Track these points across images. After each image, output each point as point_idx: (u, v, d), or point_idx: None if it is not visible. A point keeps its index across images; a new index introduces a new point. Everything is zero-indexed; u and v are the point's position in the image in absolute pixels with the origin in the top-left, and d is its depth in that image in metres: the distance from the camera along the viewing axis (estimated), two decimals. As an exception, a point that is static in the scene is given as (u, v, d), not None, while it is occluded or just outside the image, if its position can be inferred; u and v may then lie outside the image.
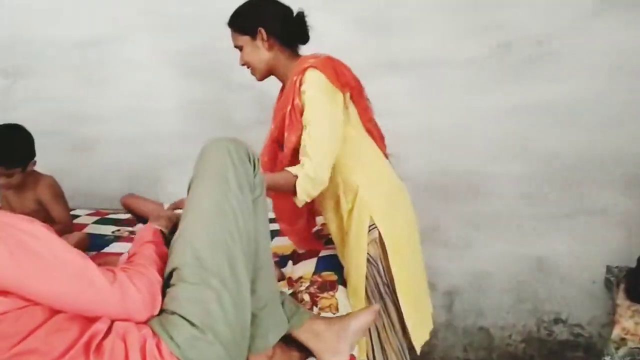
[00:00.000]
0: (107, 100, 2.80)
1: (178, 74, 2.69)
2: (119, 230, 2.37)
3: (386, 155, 1.84)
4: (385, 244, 1.65)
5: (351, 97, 1.68)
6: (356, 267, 1.68)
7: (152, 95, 2.75)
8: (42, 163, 2.80)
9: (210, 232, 1.16)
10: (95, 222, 2.48)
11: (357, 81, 1.73)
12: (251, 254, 1.22)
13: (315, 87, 1.58)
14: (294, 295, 1.64)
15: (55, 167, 2.83)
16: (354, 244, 1.67)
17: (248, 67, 1.77)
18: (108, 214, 2.63)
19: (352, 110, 1.71)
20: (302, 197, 1.57)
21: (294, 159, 1.62)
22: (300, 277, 1.75)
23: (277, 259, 1.93)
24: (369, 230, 1.66)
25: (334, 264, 1.80)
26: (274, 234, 2.06)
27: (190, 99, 2.71)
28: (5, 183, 2.04)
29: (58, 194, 2.17)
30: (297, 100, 1.61)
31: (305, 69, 1.62)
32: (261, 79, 1.79)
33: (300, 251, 1.97)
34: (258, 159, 1.33)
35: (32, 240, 0.96)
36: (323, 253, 1.90)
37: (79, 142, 2.85)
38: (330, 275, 1.73)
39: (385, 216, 1.68)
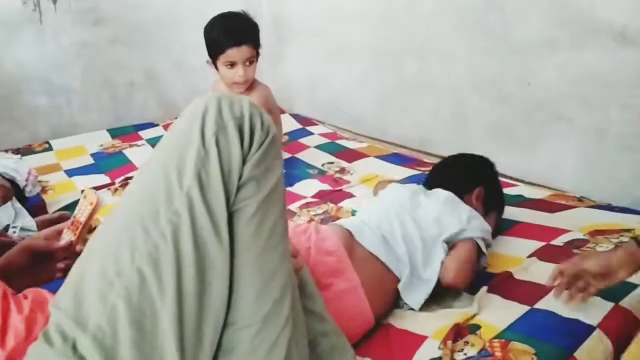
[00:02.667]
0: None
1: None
2: (331, 164, 2.04)
3: None
4: None
5: None
6: None
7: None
8: (299, 67, 2.68)
9: (106, 262, 0.68)
10: (317, 147, 2.20)
11: None
12: (211, 324, 0.69)
13: None
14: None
15: (312, 72, 2.69)
16: None
17: None
18: (342, 138, 2.32)
19: None
20: None
21: None
22: (475, 332, 1.06)
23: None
24: None
25: (551, 329, 1.04)
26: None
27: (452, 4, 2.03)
28: (242, 74, 1.85)
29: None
30: None
31: None
32: None
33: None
34: (269, 132, 0.77)
35: None
36: (542, 304, 1.12)
37: (334, 47, 2.54)
38: (524, 353, 1.00)
39: None
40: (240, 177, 0.74)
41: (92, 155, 2.16)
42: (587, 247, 1.32)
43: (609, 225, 1.43)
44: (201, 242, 0.70)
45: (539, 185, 1.81)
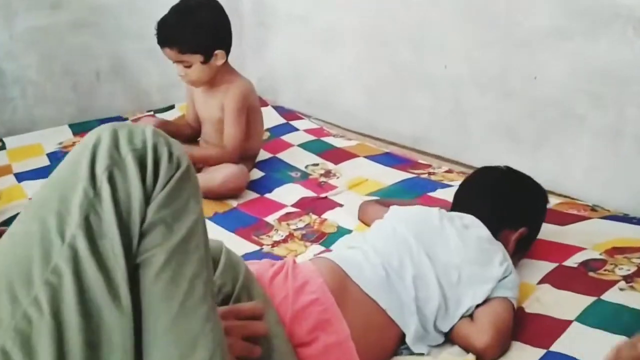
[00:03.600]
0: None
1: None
2: (316, 165, 1.88)
3: None
4: None
5: None
6: None
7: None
8: (284, 55, 2.50)
9: None
10: (301, 145, 2.04)
11: None
12: None
13: None
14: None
15: (299, 61, 2.52)
16: None
17: None
18: (329, 135, 2.16)
19: None
20: None
21: None
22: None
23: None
24: None
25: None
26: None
27: None
28: (183, 74, 1.71)
29: (239, 108, 1.73)
30: None
31: None
32: None
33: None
34: (180, 165, 0.63)
35: None
36: (559, 346, 0.98)
37: (322, 34, 2.38)
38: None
39: None
40: (143, 221, 0.60)
41: (49, 155, 1.99)
42: (605, 270, 1.19)
43: (629, 242, 1.30)
44: (91, 307, 0.56)
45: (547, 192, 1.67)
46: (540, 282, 1.17)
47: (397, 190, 1.63)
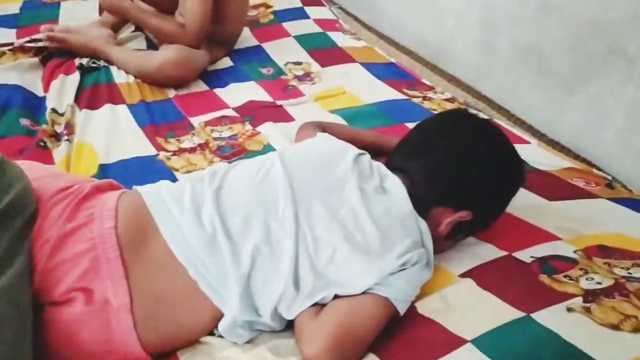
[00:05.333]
0: None
1: None
2: (297, 64, 1.57)
3: None
4: None
5: None
6: None
7: None
8: None
9: None
10: (297, 37, 1.72)
11: None
12: None
13: None
14: None
15: None
16: None
17: None
18: (339, 30, 1.81)
19: None
20: None
21: None
22: None
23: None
24: None
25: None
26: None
27: None
28: None
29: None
30: None
31: None
32: None
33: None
34: None
35: None
36: None
37: None
38: None
39: None
40: None
41: (25, 2, 1.81)
42: (566, 276, 0.86)
43: (627, 241, 0.95)
44: None
45: (562, 148, 1.30)
46: (465, 274, 0.86)
47: (370, 113, 1.31)
